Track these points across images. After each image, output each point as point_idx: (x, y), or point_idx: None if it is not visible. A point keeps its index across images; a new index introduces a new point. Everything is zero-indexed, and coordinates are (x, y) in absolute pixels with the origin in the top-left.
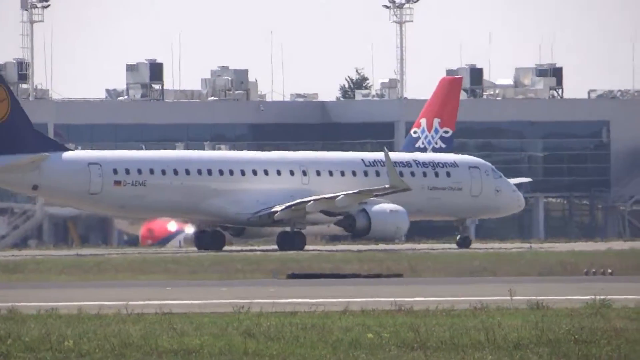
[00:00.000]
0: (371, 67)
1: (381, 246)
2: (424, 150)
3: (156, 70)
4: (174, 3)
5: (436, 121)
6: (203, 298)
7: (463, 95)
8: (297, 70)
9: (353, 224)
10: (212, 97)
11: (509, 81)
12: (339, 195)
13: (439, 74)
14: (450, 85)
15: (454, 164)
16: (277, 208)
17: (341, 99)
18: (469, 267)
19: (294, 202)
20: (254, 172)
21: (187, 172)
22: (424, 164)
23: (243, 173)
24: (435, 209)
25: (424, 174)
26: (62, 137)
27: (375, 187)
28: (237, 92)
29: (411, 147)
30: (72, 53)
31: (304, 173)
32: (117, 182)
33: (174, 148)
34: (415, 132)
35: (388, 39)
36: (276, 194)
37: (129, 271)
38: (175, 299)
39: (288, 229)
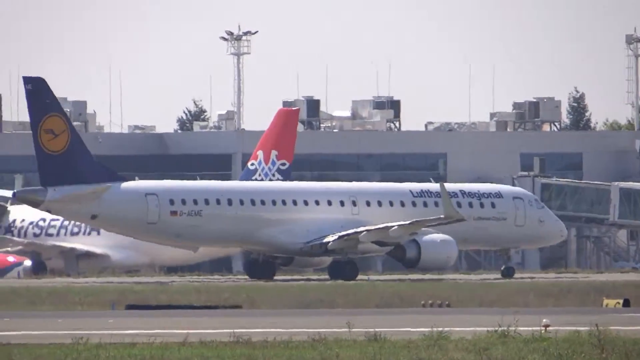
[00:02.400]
0: (209, 99)
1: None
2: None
3: None
4: (11, 33)
5: (273, 153)
6: (41, 329)
7: (300, 127)
8: (136, 102)
9: (403, 254)
10: None
11: (347, 113)
12: (393, 226)
13: (276, 106)
14: (287, 116)
15: (499, 195)
16: (330, 238)
17: (179, 130)
18: (307, 298)
19: (347, 232)
20: (305, 203)
21: (242, 202)
22: (470, 195)
23: (295, 203)
24: (480, 238)
25: (470, 205)
26: None
27: (430, 218)
28: (75, 123)
29: (248, 179)
30: None
31: (354, 203)
32: (174, 212)
33: (13, 180)
34: (252, 164)
35: (226, 70)
36: (327, 224)
37: None
38: (13, 329)
39: (339, 258)
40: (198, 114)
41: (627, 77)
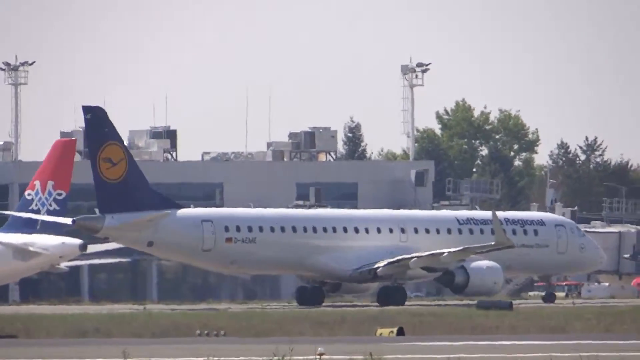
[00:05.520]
0: None
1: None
2: (37, 212)
3: None
4: None
5: (50, 183)
6: None
7: (78, 157)
8: None
9: (452, 279)
10: None
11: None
12: (444, 252)
13: (54, 136)
14: (64, 147)
15: (541, 222)
16: (380, 264)
17: None
18: (84, 327)
19: (397, 258)
20: (356, 230)
21: (294, 229)
22: (513, 222)
23: (345, 230)
24: (523, 265)
25: (514, 232)
26: None
27: (480, 245)
28: None
29: (25, 209)
30: None
31: (402, 230)
32: (229, 239)
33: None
34: (29, 194)
35: (3, 101)
36: (376, 251)
37: None
38: None
39: (388, 284)
40: None
41: (402, 108)
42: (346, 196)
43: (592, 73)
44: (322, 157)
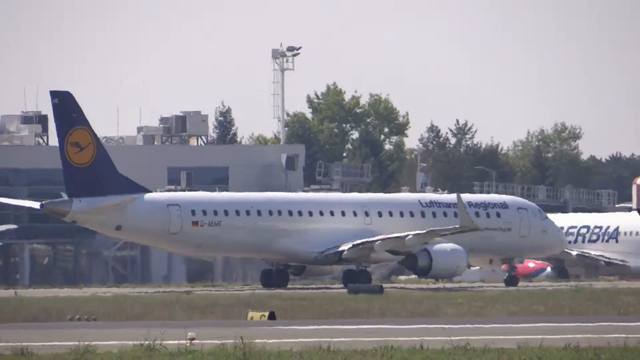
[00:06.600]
0: None
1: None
2: None
3: None
4: None
5: None
6: None
7: None
8: None
9: (415, 262)
10: None
11: None
12: (409, 235)
13: None
14: None
15: (504, 205)
16: (344, 247)
17: None
18: None
19: (362, 241)
20: (321, 213)
21: (259, 213)
22: (476, 205)
23: (310, 214)
24: (486, 248)
25: (477, 215)
26: None
27: (446, 227)
28: None
29: None
30: None
31: (366, 214)
32: (195, 223)
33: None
34: None
35: None
36: (340, 234)
37: None
38: None
39: (352, 267)
40: None
41: (273, 92)
42: (217, 180)
43: (462, 56)
44: (193, 142)
